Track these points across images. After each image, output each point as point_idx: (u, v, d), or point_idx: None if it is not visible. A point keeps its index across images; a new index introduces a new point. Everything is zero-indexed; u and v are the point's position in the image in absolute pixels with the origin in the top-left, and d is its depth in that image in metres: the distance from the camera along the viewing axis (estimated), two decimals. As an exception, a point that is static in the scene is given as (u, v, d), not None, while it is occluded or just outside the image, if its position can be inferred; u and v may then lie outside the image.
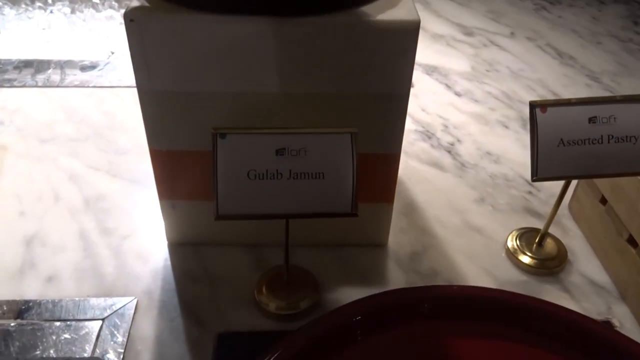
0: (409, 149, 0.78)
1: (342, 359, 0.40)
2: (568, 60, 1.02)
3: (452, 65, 0.99)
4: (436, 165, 0.76)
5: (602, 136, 0.50)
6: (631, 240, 0.56)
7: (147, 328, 0.53)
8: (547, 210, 0.68)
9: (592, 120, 0.50)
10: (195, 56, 0.47)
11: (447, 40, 1.07)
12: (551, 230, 0.65)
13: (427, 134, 0.82)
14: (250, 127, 0.45)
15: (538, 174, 0.51)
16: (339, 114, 0.51)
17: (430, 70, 0.97)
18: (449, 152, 0.78)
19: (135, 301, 0.55)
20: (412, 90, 0.91)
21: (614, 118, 0.50)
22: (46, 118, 0.81)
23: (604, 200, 0.61)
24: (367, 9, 0.47)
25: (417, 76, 0.95)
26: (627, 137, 0.50)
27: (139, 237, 0.63)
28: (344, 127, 0.45)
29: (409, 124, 0.83)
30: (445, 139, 0.81)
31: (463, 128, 0.83)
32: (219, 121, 0.49)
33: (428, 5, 1.20)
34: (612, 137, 0.50)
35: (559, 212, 0.68)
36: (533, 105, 0.50)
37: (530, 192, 0.71)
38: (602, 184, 0.60)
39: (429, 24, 1.12)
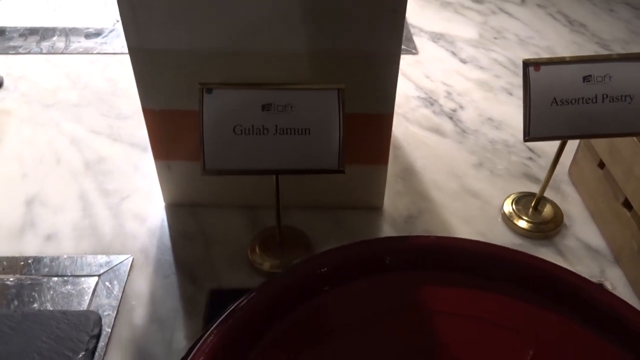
0: (410, 115, 0.78)
1: (310, 310, 0.40)
2: (578, 27, 1.00)
3: (459, 33, 0.97)
4: (437, 131, 0.75)
5: (596, 95, 0.49)
6: (626, 204, 0.55)
7: (142, 285, 0.54)
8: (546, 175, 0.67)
9: (586, 79, 0.49)
10: (184, 13, 0.47)
11: (455, 8, 1.05)
12: (550, 195, 0.64)
13: (430, 101, 0.81)
14: (236, 83, 0.45)
15: (530, 133, 0.50)
16: (329, 73, 0.50)
17: (437, 37, 0.95)
18: (451, 118, 0.77)
19: (131, 259, 0.56)
20: (416, 58, 0.91)
21: (609, 77, 0.49)
22: (50, 84, 0.82)
23: (602, 164, 0.60)
24: (356, -36, 0.46)
25: (423, 43, 0.93)
26: (622, 96, 0.49)
27: (137, 198, 0.64)
28: (332, 83, 0.45)
29: (412, 91, 0.83)
30: (448, 105, 0.80)
31: (466, 95, 0.82)
32: (207, 80, 0.49)
33: (437, -27, 1.17)
34: (607, 96, 0.49)
35: (559, 177, 0.68)
36: (526, 64, 0.49)
37: (530, 158, 0.70)
38: (601, 147, 0.60)
39: (437, -9, 1.10)
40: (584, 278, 0.44)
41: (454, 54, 0.91)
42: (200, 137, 0.44)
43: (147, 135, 0.56)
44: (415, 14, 1.01)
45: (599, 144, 0.60)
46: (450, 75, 0.86)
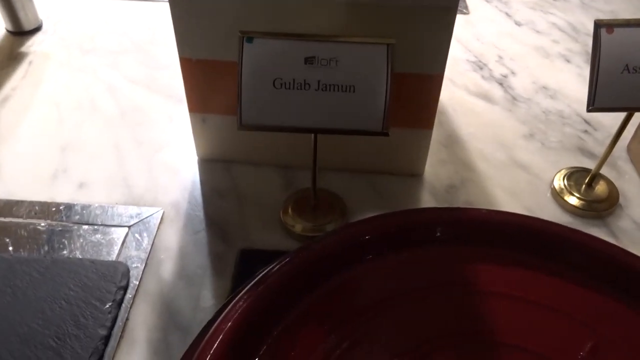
0: (457, 79, 0.73)
1: (349, 277, 0.38)
2: (649, -7, 0.92)
3: (515, -7, 0.91)
4: (485, 97, 0.71)
5: (675, 64, 0.44)
6: (694, 186, 0.51)
7: (172, 239, 0.53)
8: (603, 150, 0.62)
9: (665, 45, 0.44)
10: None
11: (513, -34, 0.98)
12: (605, 172, 0.60)
13: (479, 64, 0.76)
14: (279, 32, 0.41)
15: (595, 102, 0.46)
16: (377, 26, 0.47)
17: (491, -3, 0.89)
18: (501, 84, 0.73)
19: (161, 212, 0.55)
20: (467, 18, 0.85)
21: (692, 44, 0.44)
22: (89, 29, 0.80)
23: (668, 142, 0.55)
24: None
25: (475, 2, 0.88)
26: None
27: (170, 151, 0.62)
28: (381, 37, 0.41)
29: (460, 53, 0.78)
30: (499, 70, 0.75)
31: (520, 60, 0.77)
32: (249, 29, 0.46)
33: None
34: (687, 65, 0.44)
35: (616, 153, 0.63)
36: (598, 25, 0.45)
37: (585, 131, 0.66)
38: (669, 123, 0.55)
39: (495, -53, 1.02)
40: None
41: (508, 15, 0.86)
42: (238, 90, 0.42)
43: (183, 86, 0.54)
44: (470, -29, 0.95)
45: (667, 119, 0.55)
46: (503, 38, 0.81)
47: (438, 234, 0.40)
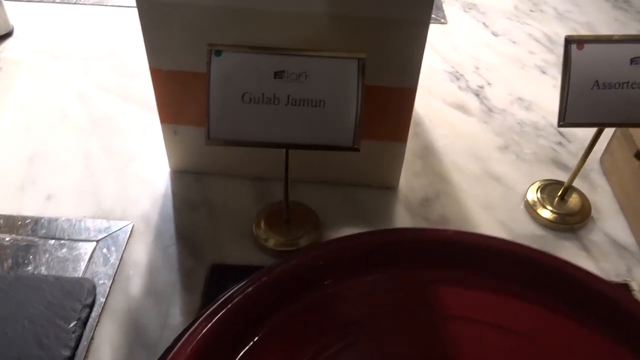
0: (433, 89, 0.73)
1: (306, 305, 0.37)
2: (622, 3, 0.93)
3: (493, 3, 0.91)
4: (462, 108, 0.71)
5: (644, 80, 0.45)
6: (664, 200, 0.51)
7: (141, 254, 0.52)
8: (576, 162, 0.63)
9: (634, 60, 0.44)
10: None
11: (490, -24, 0.98)
12: (579, 185, 0.60)
13: (456, 75, 0.76)
14: (248, 45, 0.41)
15: (566, 118, 0.46)
16: (349, 39, 0.46)
17: (469, 7, 0.90)
18: (477, 95, 0.73)
19: (131, 225, 0.54)
20: (444, 28, 0.85)
21: (661, 60, 0.44)
22: (61, 35, 0.79)
23: (638, 155, 0.55)
24: None
25: (453, 13, 0.88)
26: (673, 83, 0.45)
27: (142, 161, 0.61)
28: (352, 52, 0.41)
29: (437, 63, 0.78)
30: (475, 80, 0.75)
31: (496, 70, 0.77)
32: (219, 41, 0.45)
33: (474, -63, 1.10)
34: (657, 82, 0.45)
35: (589, 166, 0.63)
36: (569, 41, 0.45)
37: (560, 143, 0.66)
38: (639, 137, 0.55)
39: (473, -44, 1.03)
40: (611, 284, 0.40)
41: (485, 25, 0.86)
42: (207, 103, 0.41)
43: (155, 97, 0.53)
44: (448, -19, 0.95)
45: (638, 132, 0.55)
46: (480, 48, 0.81)
47: (401, 256, 0.39)
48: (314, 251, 0.41)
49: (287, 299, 0.37)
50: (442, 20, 0.86)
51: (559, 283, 0.39)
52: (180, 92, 0.52)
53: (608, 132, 0.61)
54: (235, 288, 0.38)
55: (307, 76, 0.41)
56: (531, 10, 0.90)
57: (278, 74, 0.40)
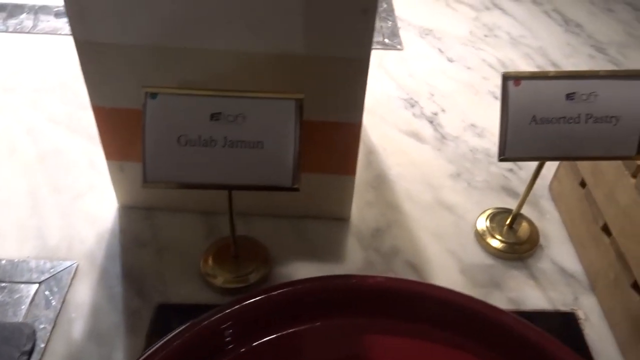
0: (388, 117, 0.74)
1: None
2: (574, 28, 0.95)
3: (449, 29, 0.92)
4: (416, 136, 0.71)
5: (580, 115, 0.46)
6: (606, 229, 0.52)
7: (84, 295, 0.51)
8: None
9: (570, 96, 0.45)
10: (132, 4, 0.42)
11: (447, 1, 1.00)
12: (528, 212, 0.61)
13: (411, 102, 0.77)
14: (184, 87, 0.41)
15: (506, 153, 0.47)
16: (291, 77, 0.46)
17: (425, 33, 0.91)
18: (431, 122, 0.74)
19: (75, 265, 0.53)
20: (401, 54, 0.86)
21: (595, 95, 0.45)
22: (13, 66, 0.77)
23: (583, 183, 0.56)
24: (323, -40, 0.42)
25: (410, 39, 0.89)
26: (607, 117, 0.45)
27: (90, 197, 0.60)
28: (289, 92, 0.41)
29: (393, 90, 0.78)
30: (430, 107, 0.76)
31: (450, 97, 0.78)
32: (157, 78, 0.45)
33: (432, -38, 1.12)
34: (591, 116, 0.45)
35: (539, 192, 0.64)
36: (506, 77, 0.45)
37: (511, 170, 0.67)
38: (583, 165, 0.56)
39: (430, -18, 1.05)
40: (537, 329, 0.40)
41: (441, 51, 0.87)
42: (142, 145, 0.40)
43: (99, 135, 0.52)
44: (404, 7, 0.96)
45: (582, 162, 0.56)
46: (435, 74, 0.82)
47: (328, 307, 0.39)
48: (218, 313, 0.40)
49: (220, 351, 0.36)
50: (399, 47, 0.87)
51: (486, 328, 0.39)
52: (124, 129, 0.51)
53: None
54: (171, 335, 0.37)
55: (245, 117, 0.40)
56: (486, 36, 0.91)
57: (214, 116, 0.40)
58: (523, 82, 0.45)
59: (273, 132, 0.41)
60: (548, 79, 0.45)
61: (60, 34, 0.84)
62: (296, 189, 0.42)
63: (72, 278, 0.52)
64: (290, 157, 0.41)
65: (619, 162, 0.49)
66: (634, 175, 0.48)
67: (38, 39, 0.83)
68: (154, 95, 0.40)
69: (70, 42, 0.82)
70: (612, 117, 0.45)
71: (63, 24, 0.86)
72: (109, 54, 0.46)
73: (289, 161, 0.41)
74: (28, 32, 0.84)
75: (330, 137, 0.51)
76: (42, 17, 0.88)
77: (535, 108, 0.45)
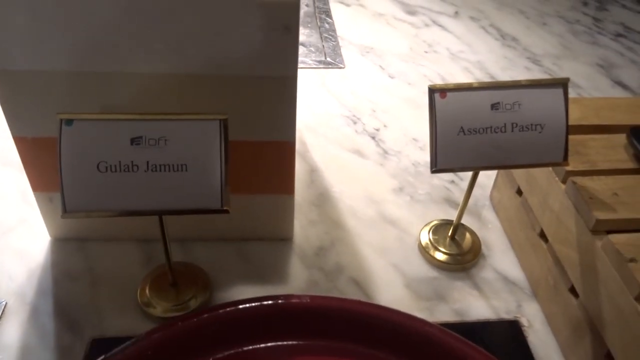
0: (331, 135, 0.74)
1: None
2: (510, 41, 0.98)
3: (389, 46, 0.94)
4: (358, 152, 0.71)
5: (505, 124, 0.46)
6: (542, 235, 0.53)
7: (14, 334, 0.48)
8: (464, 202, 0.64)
9: (495, 106, 0.46)
10: (47, 30, 0.41)
11: (387, 20, 1.02)
12: (471, 222, 0.61)
13: (353, 119, 0.77)
14: (101, 113, 0.39)
15: (437, 164, 0.47)
16: (218, 99, 0.46)
17: (366, 51, 0.92)
18: (373, 138, 0.74)
19: (4, 304, 0.50)
20: (342, 72, 0.87)
21: (519, 104, 0.46)
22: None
23: (520, 191, 0.57)
24: (242, -20, 0.42)
25: (351, 57, 0.90)
26: (532, 125, 0.46)
27: (20, 232, 0.57)
28: (213, 113, 0.40)
29: (335, 108, 0.79)
30: (372, 124, 0.76)
31: (392, 112, 0.79)
32: (79, 105, 0.44)
33: (372, -18, 1.14)
34: (517, 125, 0.46)
35: (480, 202, 0.65)
36: (432, 90, 0.46)
37: (452, 182, 0.67)
38: (518, 174, 0.57)
39: (370, 1, 1.06)
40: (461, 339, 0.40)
41: (382, 68, 0.88)
42: (59, 175, 0.39)
43: (23, 167, 0.50)
44: (346, 26, 0.98)
45: (518, 170, 0.57)
46: (376, 91, 0.83)
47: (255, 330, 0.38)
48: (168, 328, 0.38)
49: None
50: (340, 65, 0.88)
51: (412, 341, 0.39)
52: (48, 159, 0.49)
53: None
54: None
55: (167, 141, 0.39)
56: (426, 52, 0.93)
57: (135, 141, 0.39)
58: (449, 94, 0.46)
59: (198, 154, 0.40)
60: (472, 90, 0.46)
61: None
62: (226, 211, 0.41)
63: (1, 318, 0.49)
64: (217, 178, 0.40)
65: (550, 169, 0.50)
66: (564, 181, 0.49)
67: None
68: (69, 122, 0.38)
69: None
70: (537, 125, 0.46)
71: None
72: (24, 81, 0.44)
73: (216, 182, 0.40)
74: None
75: (265, 156, 0.50)
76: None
77: (463, 119, 0.46)
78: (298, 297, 0.41)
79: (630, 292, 0.40)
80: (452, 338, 0.39)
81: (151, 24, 0.41)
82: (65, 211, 0.39)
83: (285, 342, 0.37)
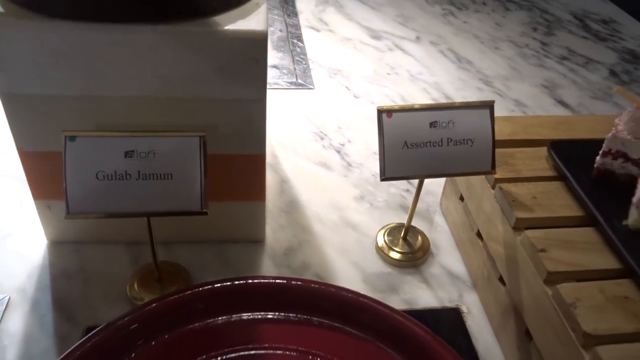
0: (300, 149, 0.82)
1: None
2: (465, 64, 1.08)
3: (355, 68, 1.03)
4: (324, 165, 0.80)
5: (442, 139, 0.55)
6: (479, 234, 0.61)
7: (17, 324, 0.55)
8: (421, 206, 0.73)
9: (433, 124, 0.55)
10: (51, 60, 0.49)
11: (354, 44, 1.11)
12: (422, 226, 0.70)
13: (321, 135, 0.85)
14: (100, 130, 0.47)
15: (386, 174, 0.55)
16: (197, 117, 0.53)
17: (334, 73, 1.01)
18: (339, 152, 0.82)
19: (7, 298, 0.57)
20: (312, 92, 0.95)
21: (453, 123, 0.55)
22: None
23: (462, 198, 0.66)
24: (219, 18, 0.50)
25: (320, 78, 0.98)
26: (464, 140, 0.55)
27: (19, 236, 0.64)
28: (193, 131, 0.48)
29: (304, 125, 0.87)
30: (337, 139, 0.85)
31: (356, 129, 0.87)
32: (78, 123, 0.51)
33: (341, 9, 1.24)
34: (451, 140, 0.55)
35: (432, 208, 0.73)
36: (380, 111, 0.54)
37: (407, 190, 0.76)
38: (461, 183, 0.66)
39: (339, 27, 1.16)
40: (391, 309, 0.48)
41: (348, 89, 0.97)
42: (64, 183, 0.46)
43: (25, 177, 0.57)
44: (316, 50, 1.06)
45: (460, 179, 0.66)
46: (343, 110, 0.91)
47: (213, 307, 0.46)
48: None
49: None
50: (310, 86, 0.96)
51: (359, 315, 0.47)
52: (49, 170, 0.56)
53: (441, 180, 0.72)
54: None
55: (155, 153, 0.47)
56: (388, 74, 1.02)
57: (128, 154, 0.46)
58: (394, 114, 0.54)
59: (181, 164, 0.48)
60: (414, 111, 0.55)
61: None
62: (205, 213, 0.49)
63: (4, 310, 0.56)
64: (197, 185, 0.48)
65: (483, 177, 0.59)
66: (493, 187, 0.57)
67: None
68: (72, 138, 0.46)
69: None
70: (468, 139, 0.55)
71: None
72: (32, 104, 0.51)
73: (197, 189, 0.48)
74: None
75: (239, 167, 0.58)
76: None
77: (406, 135, 0.55)
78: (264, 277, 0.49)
79: (540, 276, 0.48)
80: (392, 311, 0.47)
81: (139, 56, 0.49)
82: (69, 213, 0.46)
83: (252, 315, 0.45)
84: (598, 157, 0.55)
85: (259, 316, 0.46)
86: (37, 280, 0.59)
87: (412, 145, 0.55)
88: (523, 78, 1.05)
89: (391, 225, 0.69)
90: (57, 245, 0.63)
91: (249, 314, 0.46)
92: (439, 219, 0.72)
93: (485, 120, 0.55)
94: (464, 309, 0.61)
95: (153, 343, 0.45)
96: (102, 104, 0.51)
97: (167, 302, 0.46)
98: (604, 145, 0.54)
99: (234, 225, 0.63)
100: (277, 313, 0.46)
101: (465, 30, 1.20)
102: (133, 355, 0.43)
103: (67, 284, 0.59)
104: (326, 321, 0.47)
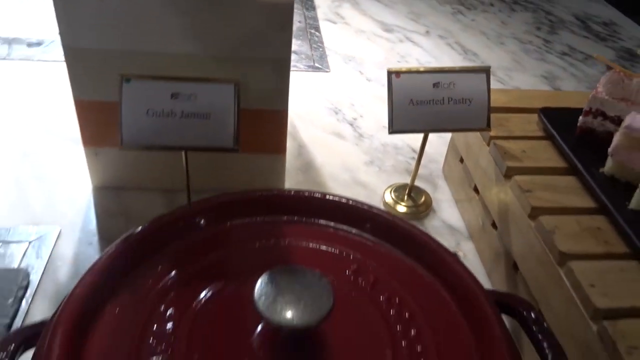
0: (316, 121, 0.90)
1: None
2: (471, 56, 1.16)
3: (368, 56, 1.11)
4: (338, 134, 0.88)
5: (443, 98, 0.63)
6: (475, 189, 0.69)
7: (68, 249, 0.63)
8: (425, 172, 0.80)
9: (436, 85, 0.62)
10: (111, 18, 0.57)
11: (367, 35, 1.19)
12: (426, 187, 0.77)
13: (335, 110, 0.93)
14: (151, 75, 0.55)
15: (393, 127, 0.63)
16: (230, 74, 0.61)
17: (348, 59, 1.09)
18: (351, 124, 0.90)
19: (59, 229, 0.65)
20: (328, 75, 1.04)
21: (453, 84, 0.63)
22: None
23: (462, 160, 0.73)
24: (252, -11, 0.58)
25: (335, 63, 1.07)
26: (463, 99, 0.63)
27: (68, 181, 0.72)
28: (230, 79, 0.56)
29: (321, 102, 0.95)
30: (350, 114, 0.93)
31: (367, 106, 0.95)
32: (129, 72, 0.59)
33: (357, 5, 1.32)
34: (452, 99, 0.63)
35: (435, 173, 0.81)
36: (390, 72, 0.62)
37: (413, 157, 0.83)
38: (461, 145, 0.73)
39: (354, 20, 1.24)
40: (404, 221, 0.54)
41: (361, 73, 1.05)
42: (120, 118, 0.54)
43: (78, 125, 0.66)
44: (332, 39, 1.15)
45: (460, 143, 0.73)
46: (356, 90, 1.00)
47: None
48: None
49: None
50: (326, 69, 1.04)
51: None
52: (99, 119, 0.65)
53: (443, 147, 0.80)
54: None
55: (197, 96, 0.55)
56: (398, 62, 1.10)
57: (174, 95, 0.55)
58: (402, 75, 0.62)
59: (218, 107, 0.56)
60: (420, 73, 0.62)
61: (34, 60, 0.97)
62: (236, 150, 0.57)
63: (57, 238, 0.64)
64: (231, 125, 0.56)
65: (480, 136, 0.67)
66: (488, 143, 0.65)
67: (14, 64, 0.96)
68: (127, 80, 0.54)
69: (43, 67, 0.95)
70: (466, 99, 0.63)
71: (35, 52, 0.99)
72: (90, 57, 0.60)
73: (231, 129, 0.56)
74: (4, 59, 0.97)
75: (263, 122, 0.66)
76: (16, 46, 1.01)
77: (412, 94, 0.62)
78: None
79: (525, 211, 0.56)
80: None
81: (183, 18, 0.57)
82: (122, 144, 0.55)
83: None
84: (580, 117, 0.62)
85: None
86: (84, 216, 0.67)
87: (417, 103, 0.62)
88: (525, 70, 1.13)
89: (397, 184, 0.77)
90: (101, 190, 0.71)
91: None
92: (441, 182, 0.80)
93: (482, 83, 0.63)
94: (460, 255, 0.68)
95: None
96: (150, 59, 0.60)
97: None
98: (585, 105, 0.62)
99: (257, 176, 0.71)
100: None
101: (472, 27, 1.29)
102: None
103: (109, 221, 0.67)
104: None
